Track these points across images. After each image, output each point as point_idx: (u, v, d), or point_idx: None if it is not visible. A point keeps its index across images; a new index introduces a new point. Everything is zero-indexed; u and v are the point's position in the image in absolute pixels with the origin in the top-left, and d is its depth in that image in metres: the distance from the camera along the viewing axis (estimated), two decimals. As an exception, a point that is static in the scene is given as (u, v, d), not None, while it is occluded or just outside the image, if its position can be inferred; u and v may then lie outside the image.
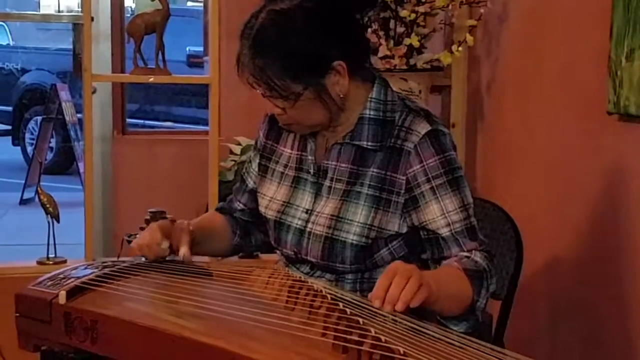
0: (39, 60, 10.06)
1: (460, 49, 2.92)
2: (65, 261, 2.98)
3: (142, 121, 9.08)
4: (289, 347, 1.24)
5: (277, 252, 1.84)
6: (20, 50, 10.50)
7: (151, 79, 3.14)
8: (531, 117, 2.77)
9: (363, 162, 1.69)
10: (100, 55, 4.31)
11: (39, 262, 2.99)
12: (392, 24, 2.95)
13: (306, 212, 1.73)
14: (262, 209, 1.82)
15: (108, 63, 4.64)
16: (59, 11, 11.61)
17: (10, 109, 9.68)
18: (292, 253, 1.75)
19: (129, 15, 5.30)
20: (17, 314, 1.58)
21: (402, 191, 1.65)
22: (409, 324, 1.37)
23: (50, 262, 2.96)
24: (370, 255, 1.67)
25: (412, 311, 1.41)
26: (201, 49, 6.20)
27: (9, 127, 9.58)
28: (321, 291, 1.54)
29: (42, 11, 11.08)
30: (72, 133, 7.01)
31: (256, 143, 1.90)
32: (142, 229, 2.77)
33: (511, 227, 2.26)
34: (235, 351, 1.23)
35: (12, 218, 6.77)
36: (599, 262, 2.36)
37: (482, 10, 2.91)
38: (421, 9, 2.88)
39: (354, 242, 1.66)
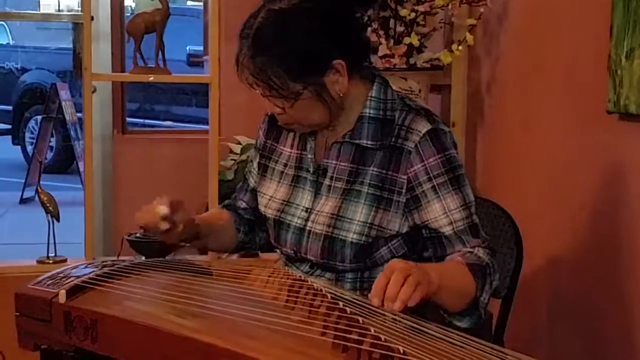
0: (39, 59, 10.07)
1: (460, 48, 2.92)
2: (65, 260, 2.98)
3: (142, 120, 9.09)
4: (289, 346, 1.24)
5: (277, 251, 1.84)
6: (20, 50, 10.50)
7: (151, 78, 3.14)
8: (531, 116, 2.77)
9: (363, 161, 1.69)
10: (100, 55, 4.32)
11: (39, 261, 2.99)
12: (392, 23, 2.95)
13: (306, 211, 1.73)
14: (261, 208, 1.83)
15: (108, 62, 4.65)
16: (59, 10, 11.60)
17: (10, 108, 9.68)
18: (292, 252, 1.75)
19: (129, 14, 5.31)
20: (17, 313, 1.58)
21: (404, 191, 1.66)
22: (408, 322, 1.37)
23: (50, 261, 2.96)
24: (369, 254, 1.67)
25: (413, 310, 1.42)
26: (201, 48, 6.20)
27: (9, 127, 9.59)
28: (321, 290, 1.54)
29: (42, 10, 11.07)
30: (72, 132, 7.01)
31: (256, 143, 1.90)
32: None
33: (511, 225, 2.26)
34: (235, 350, 1.23)
35: (12, 217, 6.77)
36: (599, 260, 2.36)
37: (482, 10, 2.91)
38: (421, 8, 2.88)
39: (354, 240, 1.66)
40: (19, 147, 9.09)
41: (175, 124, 9.44)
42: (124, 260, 1.75)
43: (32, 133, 8.80)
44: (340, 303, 1.44)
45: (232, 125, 4.25)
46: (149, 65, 3.10)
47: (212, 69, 3.10)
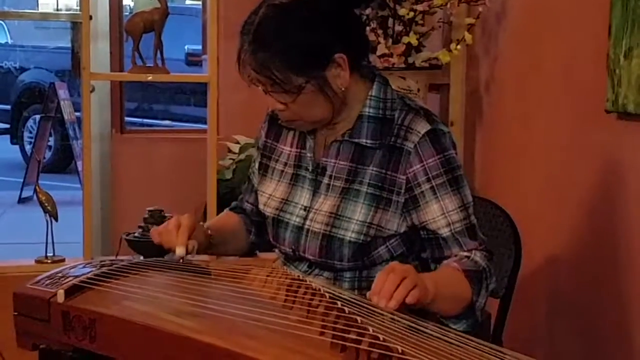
0: (37, 58, 10.07)
1: (458, 47, 2.92)
2: (63, 260, 2.98)
3: (140, 120, 9.08)
4: (288, 345, 1.24)
5: (276, 249, 1.84)
6: (19, 49, 10.49)
7: (150, 78, 3.14)
8: (530, 115, 2.77)
9: (362, 160, 1.69)
10: (98, 54, 4.32)
11: (38, 261, 2.99)
12: (390, 22, 2.95)
13: (304, 210, 1.73)
14: (261, 206, 1.83)
15: (106, 61, 4.64)
16: (57, 10, 11.60)
17: (8, 107, 9.68)
18: (290, 250, 1.76)
19: (127, 13, 5.30)
20: (16, 313, 1.58)
21: (402, 191, 1.66)
22: (407, 322, 1.37)
23: (49, 261, 2.96)
24: (368, 253, 1.67)
25: (413, 311, 1.42)
26: (200, 47, 6.20)
27: (8, 126, 9.58)
28: (319, 290, 1.54)
29: (41, 9, 11.05)
30: (70, 132, 7.00)
31: (258, 143, 1.91)
32: (140, 227, 2.77)
33: (509, 225, 2.26)
34: (233, 350, 1.23)
35: (10, 217, 6.77)
36: (597, 260, 2.36)
37: (480, 9, 2.91)
38: (420, 7, 2.88)
39: (352, 239, 1.66)
40: (17, 146, 9.10)
41: (174, 123, 9.45)
42: (122, 260, 1.75)
43: (30, 132, 8.79)
44: (339, 302, 1.44)
45: (231, 125, 4.25)
46: (147, 65, 3.10)
47: (210, 68, 3.10)
